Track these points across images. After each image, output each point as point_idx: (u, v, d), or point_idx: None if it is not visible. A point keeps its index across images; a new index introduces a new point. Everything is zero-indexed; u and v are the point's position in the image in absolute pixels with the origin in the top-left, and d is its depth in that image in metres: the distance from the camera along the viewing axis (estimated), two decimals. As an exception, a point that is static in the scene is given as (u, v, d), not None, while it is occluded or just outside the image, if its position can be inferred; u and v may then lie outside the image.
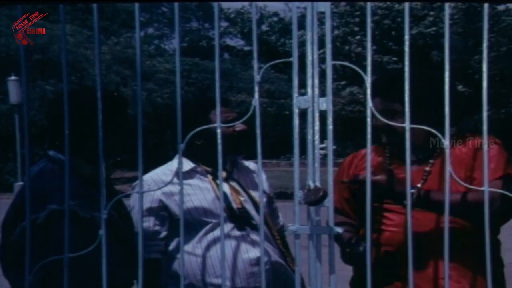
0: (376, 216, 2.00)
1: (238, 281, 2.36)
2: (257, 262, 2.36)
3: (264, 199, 2.51)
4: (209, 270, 2.37)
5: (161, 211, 2.38)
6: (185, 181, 2.37)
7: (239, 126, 2.32)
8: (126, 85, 17.76)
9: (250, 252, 2.38)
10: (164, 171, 2.44)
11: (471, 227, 2.03)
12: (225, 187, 2.41)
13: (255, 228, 2.37)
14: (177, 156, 2.43)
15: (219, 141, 1.73)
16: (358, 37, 18.68)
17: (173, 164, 2.46)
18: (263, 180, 2.58)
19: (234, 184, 2.46)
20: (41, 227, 1.88)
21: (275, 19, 22.18)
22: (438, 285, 2.03)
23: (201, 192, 2.40)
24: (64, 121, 1.77)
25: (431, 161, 2.13)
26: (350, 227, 2.19)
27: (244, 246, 2.38)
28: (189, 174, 2.42)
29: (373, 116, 1.68)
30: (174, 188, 2.28)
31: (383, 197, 2.04)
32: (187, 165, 2.43)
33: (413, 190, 2.00)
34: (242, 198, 2.43)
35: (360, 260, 2.06)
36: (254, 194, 2.45)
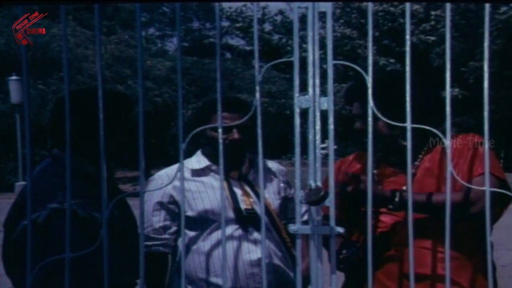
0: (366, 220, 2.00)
1: (237, 281, 2.37)
2: (257, 263, 2.36)
3: (278, 201, 2.51)
4: (210, 269, 2.38)
5: (171, 206, 2.40)
6: (198, 179, 2.43)
7: (231, 135, 2.33)
8: (121, 82, 17.75)
9: (251, 253, 2.38)
10: (186, 165, 2.45)
11: (470, 231, 2.03)
12: (237, 187, 2.42)
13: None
14: (196, 153, 2.48)
15: (220, 140, 1.74)
16: (356, 40, 18.65)
17: (189, 161, 2.47)
18: (280, 181, 2.57)
19: (245, 185, 2.46)
20: (42, 226, 1.88)
21: (278, 17, 22.15)
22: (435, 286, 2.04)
23: (212, 191, 2.40)
24: (70, 120, 1.78)
25: (416, 163, 2.13)
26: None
27: (245, 247, 2.38)
28: (204, 172, 2.45)
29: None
30: (186, 184, 2.31)
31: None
32: (203, 162, 2.46)
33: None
34: (251, 200, 2.43)
35: (352, 264, 2.06)
36: (268, 196, 2.45)
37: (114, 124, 1.71)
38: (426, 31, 17.60)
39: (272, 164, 2.60)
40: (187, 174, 2.42)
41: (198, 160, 2.47)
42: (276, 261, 2.44)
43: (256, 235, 2.39)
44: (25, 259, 1.87)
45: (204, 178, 2.44)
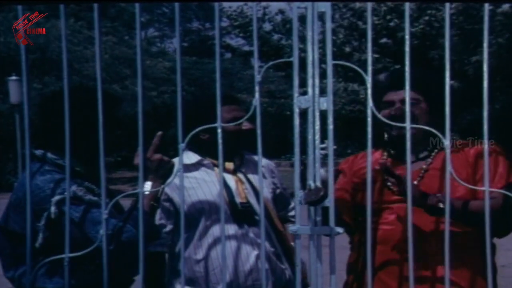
0: (373, 217, 1.99)
1: (229, 278, 2.36)
2: (247, 258, 2.37)
3: (271, 194, 2.51)
4: (207, 266, 2.37)
5: (166, 204, 2.39)
6: (190, 174, 2.40)
7: (245, 125, 2.32)
8: (119, 82, 17.78)
9: (244, 250, 2.38)
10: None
11: (471, 231, 2.03)
12: (231, 180, 2.42)
13: (256, 224, 2.37)
14: (187, 150, 2.46)
15: (220, 140, 1.74)
16: (341, 37, 18.55)
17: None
18: (270, 176, 2.57)
19: (241, 175, 2.46)
20: (56, 220, 1.91)
21: (278, 17, 22.10)
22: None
23: (206, 185, 2.39)
24: (52, 120, 1.91)
25: (429, 160, 2.13)
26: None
27: (240, 244, 2.38)
28: (195, 167, 2.44)
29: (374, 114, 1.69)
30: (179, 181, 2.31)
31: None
32: (193, 157, 2.44)
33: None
34: (245, 190, 2.43)
35: None
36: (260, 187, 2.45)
37: (98, 122, 1.72)
38: (420, 28, 17.54)
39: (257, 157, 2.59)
40: (174, 176, 2.41)
41: (188, 157, 2.44)
42: (270, 256, 2.44)
43: (250, 232, 2.38)
44: (14, 258, 1.97)
45: (195, 173, 2.43)
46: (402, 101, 2.06)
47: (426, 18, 17.36)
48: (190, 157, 2.43)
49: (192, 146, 2.44)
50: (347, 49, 18.20)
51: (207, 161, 2.44)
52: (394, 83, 2.11)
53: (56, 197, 1.92)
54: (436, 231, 2.01)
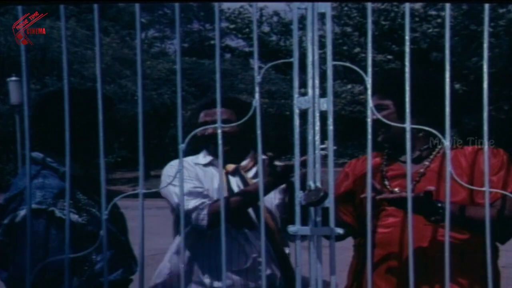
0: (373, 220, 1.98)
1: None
2: (244, 262, 2.37)
3: (277, 201, 2.51)
4: (204, 268, 2.38)
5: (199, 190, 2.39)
6: (206, 169, 2.47)
7: (207, 130, 2.33)
8: (113, 81, 17.83)
9: (240, 252, 2.38)
10: (194, 160, 2.51)
11: (471, 238, 2.03)
12: (234, 184, 2.44)
13: (253, 227, 2.37)
14: (202, 152, 2.52)
15: (220, 141, 1.74)
16: (355, 38, 18.57)
17: (198, 156, 2.53)
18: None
19: (240, 180, 2.47)
20: (19, 225, 1.87)
21: (274, 19, 22.05)
22: None
23: (213, 185, 2.42)
24: (46, 122, 1.94)
25: (426, 162, 2.12)
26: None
27: (242, 246, 2.38)
28: (207, 167, 2.49)
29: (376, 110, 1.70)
30: (201, 171, 2.43)
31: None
32: (207, 158, 2.50)
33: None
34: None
35: None
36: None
37: (94, 122, 1.72)
38: (428, 28, 17.53)
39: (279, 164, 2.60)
40: (199, 168, 2.48)
41: (204, 156, 2.52)
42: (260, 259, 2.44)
43: (249, 232, 2.38)
44: (7, 259, 1.93)
45: (208, 174, 2.45)
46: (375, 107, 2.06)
47: (439, 20, 17.34)
48: (206, 158, 2.51)
49: (206, 148, 2.51)
50: (356, 50, 18.18)
51: (216, 161, 2.46)
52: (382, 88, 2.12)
53: (32, 205, 1.87)
54: (433, 239, 2.01)
